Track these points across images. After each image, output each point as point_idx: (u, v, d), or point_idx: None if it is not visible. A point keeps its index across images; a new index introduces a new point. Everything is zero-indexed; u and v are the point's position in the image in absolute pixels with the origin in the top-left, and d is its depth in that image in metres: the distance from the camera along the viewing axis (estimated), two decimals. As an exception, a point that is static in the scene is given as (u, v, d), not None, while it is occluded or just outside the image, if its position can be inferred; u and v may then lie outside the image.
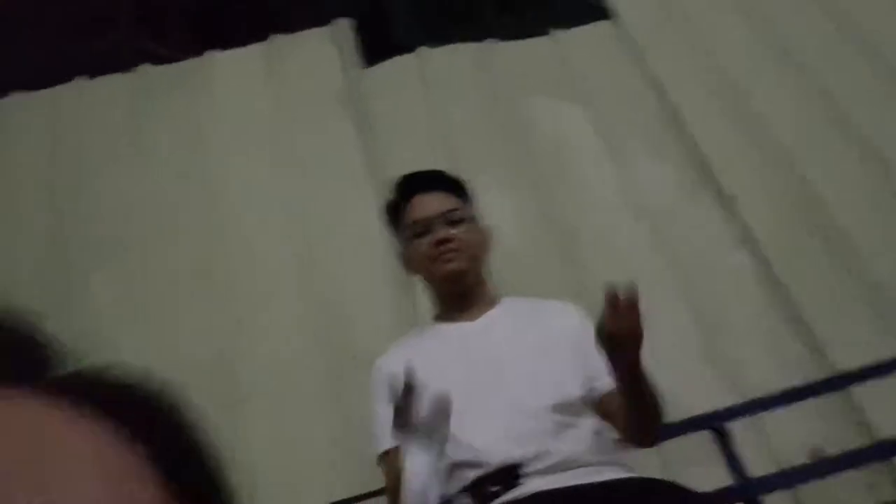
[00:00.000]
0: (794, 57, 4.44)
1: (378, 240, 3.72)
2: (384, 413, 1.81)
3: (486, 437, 1.79)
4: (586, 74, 4.55)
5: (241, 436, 3.16)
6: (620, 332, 1.67)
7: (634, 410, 1.76)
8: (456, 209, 2.07)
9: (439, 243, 2.01)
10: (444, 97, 4.45)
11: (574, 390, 1.85)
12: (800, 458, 2.90)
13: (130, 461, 0.36)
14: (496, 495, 1.76)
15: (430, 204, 2.08)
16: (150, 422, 0.41)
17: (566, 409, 1.83)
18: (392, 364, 1.89)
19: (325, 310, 3.62)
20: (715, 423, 2.52)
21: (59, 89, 4.69)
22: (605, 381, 1.79)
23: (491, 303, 2.11)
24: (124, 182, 4.22)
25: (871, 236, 3.70)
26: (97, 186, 4.22)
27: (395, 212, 2.16)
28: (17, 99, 4.64)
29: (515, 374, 1.86)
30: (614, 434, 1.86)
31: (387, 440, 1.81)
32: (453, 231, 2.03)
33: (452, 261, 1.99)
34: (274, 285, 3.78)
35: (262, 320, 3.64)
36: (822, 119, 4.17)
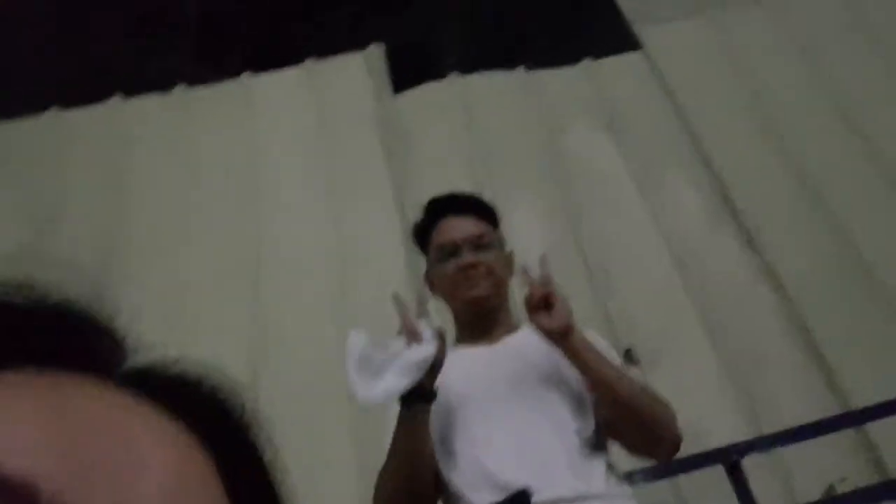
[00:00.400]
0: (826, 89, 4.44)
1: (402, 262, 3.79)
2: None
3: (499, 460, 1.80)
4: (616, 104, 4.59)
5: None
6: (534, 297, 1.74)
7: (606, 399, 1.77)
8: (484, 235, 2.09)
9: (465, 268, 2.03)
10: (475, 123, 4.50)
11: (590, 421, 1.87)
12: (814, 495, 2.90)
13: (196, 462, 0.37)
14: (504, 523, 1.78)
15: (459, 228, 2.10)
16: (217, 422, 0.40)
17: (581, 439, 1.85)
18: None
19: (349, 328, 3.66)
20: (729, 457, 2.52)
21: (97, 108, 4.80)
22: None
23: (512, 328, 2.12)
24: (162, 195, 4.32)
25: (896, 273, 3.70)
26: (137, 199, 4.32)
27: (424, 233, 2.19)
28: (58, 113, 4.77)
29: (534, 400, 1.87)
30: (628, 453, 1.87)
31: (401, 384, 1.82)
32: (480, 256, 2.05)
33: (477, 286, 2.01)
34: (301, 302, 3.83)
35: (287, 338, 3.69)
36: (850, 151, 4.17)
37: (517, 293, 3.11)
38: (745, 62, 4.68)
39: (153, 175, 4.45)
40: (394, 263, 3.82)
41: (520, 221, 3.57)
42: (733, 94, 4.56)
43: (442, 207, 2.18)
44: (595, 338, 1.99)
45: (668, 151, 4.39)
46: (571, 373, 1.88)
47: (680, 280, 3.82)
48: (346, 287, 3.86)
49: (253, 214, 4.21)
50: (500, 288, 2.10)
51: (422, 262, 3.07)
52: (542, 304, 1.78)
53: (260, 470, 0.43)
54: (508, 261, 2.17)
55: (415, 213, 2.57)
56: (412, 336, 1.73)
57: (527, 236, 3.44)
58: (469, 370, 1.95)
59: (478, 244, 2.06)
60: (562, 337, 1.77)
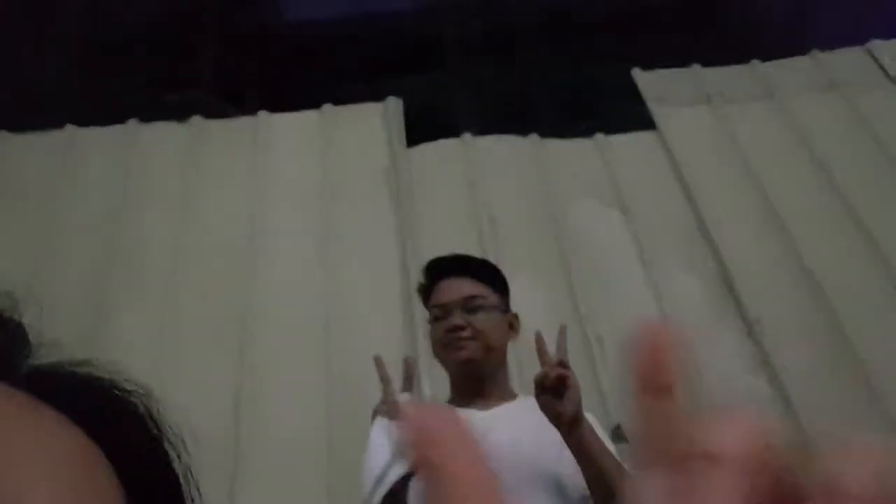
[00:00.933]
0: (830, 188, 4.48)
1: (398, 320, 3.75)
2: (377, 466, 1.79)
3: None
4: (627, 182, 4.61)
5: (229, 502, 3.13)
6: (548, 378, 1.68)
7: (601, 490, 1.72)
8: (477, 296, 2.07)
9: (453, 330, 2.01)
10: (484, 184, 4.52)
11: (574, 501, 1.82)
12: None
13: (94, 470, 0.33)
14: None
15: (452, 289, 2.09)
16: (120, 428, 0.37)
17: None
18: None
19: (339, 384, 3.61)
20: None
21: (112, 129, 4.84)
22: None
23: (507, 397, 2.08)
24: (166, 225, 4.30)
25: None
26: (141, 227, 4.31)
27: (425, 294, 2.18)
28: (71, 132, 4.80)
29: (520, 473, 1.82)
30: None
31: (377, 497, 1.78)
32: (470, 318, 2.02)
33: (464, 349, 1.99)
34: (292, 351, 3.78)
35: (274, 387, 3.63)
36: (857, 251, 4.18)
37: (525, 359, 3.03)
38: (753, 155, 4.74)
39: (153, 206, 4.44)
40: (391, 319, 3.78)
41: (520, 287, 3.53)
42: (741, 186, 4.60)
43: (439, 269, 2.18)
44: (591, 420, 1.95)
45: (675, 236, 4.40)
46: (559, 461, 1.84)
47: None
48: (338, 339, 3.81)
49: (255, 251, 4.19)
50: (490, 351, 2.06)
51: (418, 320, 3.04)
52: (554, 387, 1.73)
53: (165, 480, 0.39)
54: (508, 325, 2.14)
55: (416, 270, 2.56)
56: (392, 412, 1.70)
57: (526, 302, 3.40)
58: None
59: (469, 307, 2.04)
60: (570, 425, 1.72)
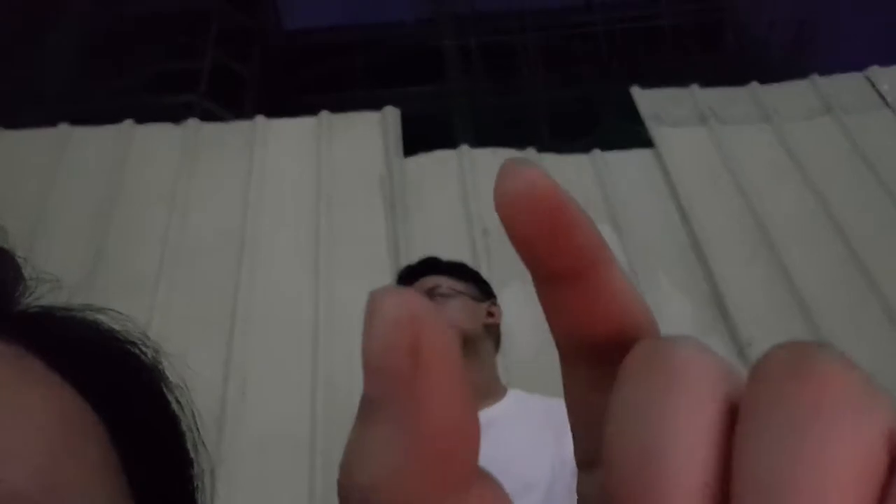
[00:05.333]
0: (823, 213, 4.48)
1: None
2: None
3: None
4: (620, 197, 4.61)
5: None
6: None
7: None
8: (439, 286, 2.01)
9: None
10: (478, 196, 4.52)
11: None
12: None
13: (79, 439, 0.30)
14: None
15: (416, 287, 2.05)
16: (117, 383, 0.34)
17: None
18: None
19: (326, 391, 3.60)
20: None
21: (107, 129, 4.83)
22: None
23: (496, 393, 1.98)
24: (157, 226, 4.29)
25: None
26: (131, 226, 4.29)
27: None
28: (65, 131, 4.79)
29: (526, 479, 1.74)
30: None
31: None
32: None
33: None
34: (280, 357, 3.77)
35: (260, 391, 3.61)
36: (849, 276, 4.18)
37: (515, 375, 2.98)
38: (748, 177, 4.74)
39: (145, 206, 4.43)
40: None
41: (511, 298, 3.52)
42: (736, 207, 4.61)
43: (407, 275, 2.14)
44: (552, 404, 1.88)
45: (668, 254, 4.39)
46: (568, 454, 1.78)
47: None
48: (327, 345, 3.80)
49: (247, 253, 4.18)
50: (464, 339, 1.94)
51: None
52: None
53: (169, 432, 0.37)
54: (486, 312, 2.06)
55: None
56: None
57: (516, 314, 3.39)
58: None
59: (433, 293, 1.97)
60: None
